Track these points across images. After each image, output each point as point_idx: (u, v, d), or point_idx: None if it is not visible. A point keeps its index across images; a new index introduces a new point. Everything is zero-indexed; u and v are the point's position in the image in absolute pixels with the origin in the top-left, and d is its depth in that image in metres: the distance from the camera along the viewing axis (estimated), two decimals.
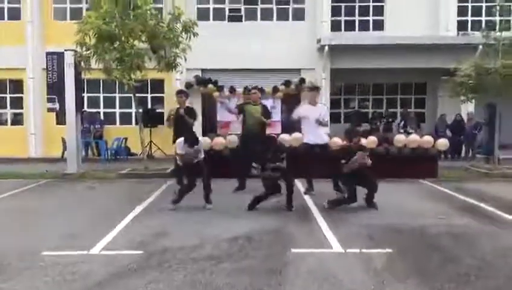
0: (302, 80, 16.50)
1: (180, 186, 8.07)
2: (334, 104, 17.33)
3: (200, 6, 16.87)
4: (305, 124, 8.82)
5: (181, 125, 9.13)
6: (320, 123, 8.60)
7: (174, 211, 7.41)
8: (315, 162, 8.52)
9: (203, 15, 16.53)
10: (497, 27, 12.10)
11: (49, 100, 12.23)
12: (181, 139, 7.66)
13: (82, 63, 11.32)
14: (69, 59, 11.58)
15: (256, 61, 16.18)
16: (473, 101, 13.60)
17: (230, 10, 17.07)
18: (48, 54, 12.43)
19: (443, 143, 11.41)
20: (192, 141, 7.58)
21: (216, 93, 16.32)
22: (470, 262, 4.88)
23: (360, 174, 7.35)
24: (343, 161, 7.36)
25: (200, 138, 7.93)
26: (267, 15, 17.05)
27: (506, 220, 6.91)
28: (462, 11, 17.39)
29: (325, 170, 8.10)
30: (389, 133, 14.07)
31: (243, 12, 17.07)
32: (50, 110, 12.49)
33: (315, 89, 9.02)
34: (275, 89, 16.14)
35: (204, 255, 5.10)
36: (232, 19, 16.99)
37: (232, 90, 16.46)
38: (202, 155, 7.81)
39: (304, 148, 8.98)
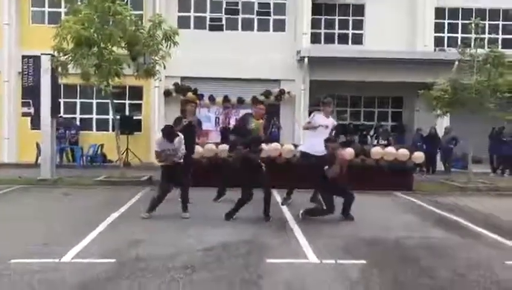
0: (282, 91, 16.60)
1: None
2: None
3: (181, 14, 16.84)
4: (318, 133, 8.62)
5: (185, 133, 8.94)
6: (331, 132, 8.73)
7: (149, 220, 7.30)
8: (308, 172, 8.45)
9: (183, 23, 16.48)
10: (473, 44, 12.40)
11: (24, 104, 12.00)
12: (159, 135, 7.49)
13: (59, 68, 11.15)
14: (45, 63, 11.38)
15: (236, 70, 16.20)
16: (448, 115, 13.84)
17: (212, 19, 17.10)
18: (24, 57, 12.22)
19: (419, 156, 11.55)
20: (169, 133, 7.31)
21: (196, 102, 16.25)
22: (444, 274, 4.92)
23: (336, 185, 7.41)
24: (326, 167, 7.40)
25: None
26: (248, 25, 17.11)
27: (480, 233, 7.00)
28: (439, 28, 17.80)
29: (312, 181, 8.06)
30: (365, 145, 14.20)
31: (224, 22, 17.11)
32: (25, 114, 12.25)
33: (329, 102, 9.20)
34: (255, 100, 16.16)
35: (179, 265, 5.03)
36: (213, 28, 17.01)
37: (212, 99, 16.48)
38: (182, 152, 7.54)
39: (303, 158, 8.97)
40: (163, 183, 7.68)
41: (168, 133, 7.37)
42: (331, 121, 8.85)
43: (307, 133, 9.09)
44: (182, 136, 7.57)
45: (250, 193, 7.30)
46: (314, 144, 8.53)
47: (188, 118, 8.91)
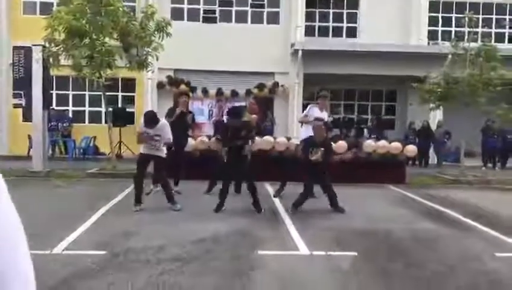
0: (276, 84, 16.57)
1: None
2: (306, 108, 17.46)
3: (174, 5, 16.72)
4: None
5: (178, 124, 8.89)
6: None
7: (141, 212, 7.29)
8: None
9: (177, 14, 16.37)
10: (466, 38, 12.42)
11: (15, 96, 11.88)
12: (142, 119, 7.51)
13: (51, 60, 11.05)
14: (37, 54, 11.26)
15: (229, 63, 16.11)
16: (441, 108, 13.89)
17: (205, 11, 16.98)
18: (15, 48, 12.10)
19: (411, 149, 11.60)
20: (148, 119, 7.24)
21: (189, 94, 16.20)
22: (434, 267, 4.95)
23: (317, 172, 7.42)
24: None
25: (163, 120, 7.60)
26: (241, 17, 17.02)
27: (471, 225, 7.05)
28: (433, 21, 17.80)
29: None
30: (359, 138, 14.24)
31: (217, 14, 17.01)
32: (16, 106, 12.14)
33: (325, 96, 9.54)
34: (248, 92, 16.15)
35: (170, 256, 5.02)
36: (206, 20, 16.91)
37: (205, 91, 16.42)
38: (167, 139, 7.48)
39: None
40: (136, 172, 7.65)
41: (148, 119, 7.29)
42: (325, 115, 8.94)
43: (303, 127, 9.12)
44: (165, 121, 7.52)
45: (227, 183, 7.41)
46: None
47: (182, 109, 8.91)
